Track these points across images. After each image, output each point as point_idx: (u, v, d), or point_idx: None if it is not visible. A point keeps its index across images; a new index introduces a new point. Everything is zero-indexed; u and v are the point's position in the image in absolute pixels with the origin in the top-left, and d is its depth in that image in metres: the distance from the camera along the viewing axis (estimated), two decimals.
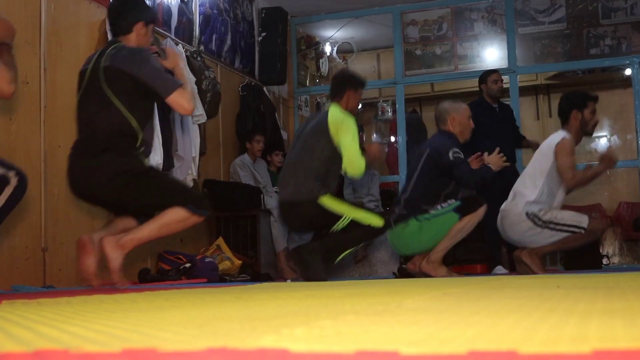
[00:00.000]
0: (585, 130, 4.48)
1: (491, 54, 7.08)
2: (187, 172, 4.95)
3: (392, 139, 8.27)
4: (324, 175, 4.03)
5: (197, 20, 5.70)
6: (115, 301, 1.92)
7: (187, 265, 4.51)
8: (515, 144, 5.70)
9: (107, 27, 3.46)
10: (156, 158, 4.20)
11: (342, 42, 8.02)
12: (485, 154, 4.37)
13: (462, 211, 4.21)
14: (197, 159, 5.10)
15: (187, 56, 5.18)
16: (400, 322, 1.00)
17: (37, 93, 3.87)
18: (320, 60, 7.96)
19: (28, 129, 3.79)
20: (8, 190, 2.68)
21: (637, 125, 6.53)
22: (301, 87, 7.64)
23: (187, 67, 5.00)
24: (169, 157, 4.69)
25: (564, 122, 4.48)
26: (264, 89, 6.72)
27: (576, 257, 4.81)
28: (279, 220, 5.40)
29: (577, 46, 6.72)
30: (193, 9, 5.66)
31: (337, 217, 3.98)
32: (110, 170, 3.10)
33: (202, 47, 5.72)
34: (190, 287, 3.49)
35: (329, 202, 4.00)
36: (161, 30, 5.07)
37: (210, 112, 5.25)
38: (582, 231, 4.30)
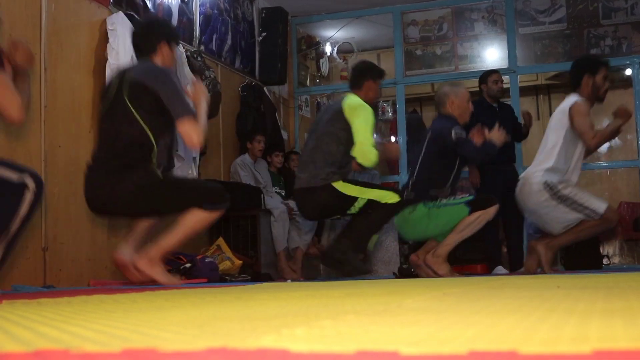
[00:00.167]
0: (597, 96, 4.38)
1: (491, 54, 7.08)
2: (187, 172, 4.95)
3: (393, 139, 8.27)
4: (340, 161, 4.04)
5: (197, 20, 5.71)
6: (116, 301, 1.92)
7: (188, 265, 4.50)
8: (519, 137, 5.69)
9: (132, 51, 3.58)
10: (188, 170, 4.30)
11: (343, 42, 8.02)
12: (486, 130, 4.39)
13: (474, 206, 4.22)
14: (197, 159, 5.10)
15: (187, 56, 5.19)
16: (400, 322, 1.00)
17: (38, 93, 3.87)
18: (321, 60, 7.96)
19: (28, 128, 3.79)
20: (28, 195, 2.69)
21: (637, 125, 6.53)
22: (301, 87, 7.64)
23: (188, 68, 5.00)
24: (170, 158, 4.69)
25: (576, 87, 4.40)
26: (265, 89, 6.72)
27: (576, 257, 4.81)
28: (297, 208, 5.37)
29: (578, 46, 6.71)
30: (193, 9, 5.66)
31: (351, 200, 3.98)
32: (131, 185, 3.19)
33: (202, 47, 5.72)
34: (190, 287, 3.49)
35: (342, 186, 4.00)
36: None
37: (211, 112, 5.24)
38: (597, 217, 4.21)
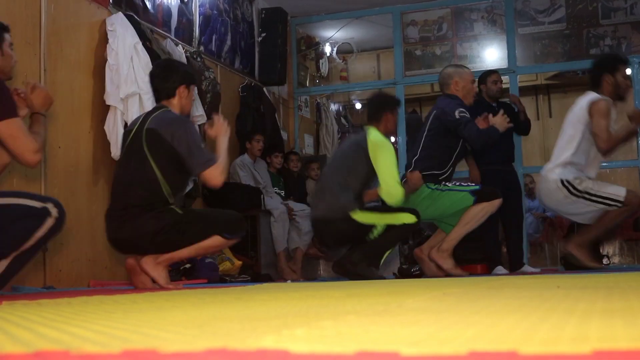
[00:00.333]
0: (619, 94, 4.35)
1: (491, 54, 7.08)
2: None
3: (392, 139, 8.26)
4: (358, 193, 4.10)
5: (197, 20, 5.70)
6: (116, 302, 1.92)
7: (188, 265, 4.50)
8: (523, 130, 5.70)
9: (151, 92, 3.66)
10: None
11: (342, 43, 8.02)
12: (490, 115, 4.38)
13: (479, 197, 4.23)
14: None
15: (187, 57, 5.19)
16: (400, 322, 1.00)
17: None
18: (320, 60, 7.96)
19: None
20: (50, 222, 2.76)
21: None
22: (301, 87, 7.64)
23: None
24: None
25: (596, 87, 4.36)
26: (264, 89, 6.72)
27: (576, 257, 4.80)
28: (315, 236, 5.37)
29: (577, 46, 6.71)
30: (193, 10, 5.66)
31: (369, 227, 4.05)
32: (148, 232, 3.25)
33: (202, 48, 5.72)
34: (190, 287, 3.49)
35: (359, 216, 4.06)
36: (161, 31, 5.07)
37: (210, 112, 5.25)
38: (619, 204, 4.17)
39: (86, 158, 4.26)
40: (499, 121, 4.32)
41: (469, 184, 4.36)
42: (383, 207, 4.20)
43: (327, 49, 8.01)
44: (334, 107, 8.44)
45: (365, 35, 7.89)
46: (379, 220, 4.06)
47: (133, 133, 3.37)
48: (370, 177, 4.11)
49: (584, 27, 6.69)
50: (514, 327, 0.88)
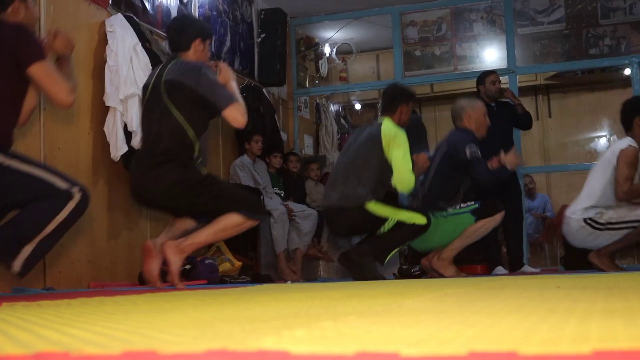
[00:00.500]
0: None
1: (490, 55, 7.09)
2: None
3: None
4: (373, 185, 4.12)
5: None
6: (116, 303, 1.92)
7: (187, 266, 4.50)
8: (524, 126, 5.70)
9: (166, 44, 3.72)
10: None
11: (342, 43, 8.02)
12: (502, 153, 4.37)
13: (480, 214, 4.24)
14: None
15: None
16: (400, 323, 1.00)
17: (37, 94, 3.86)
18: (320, 61, 7.97)
19: (28, 130, 3.78)
20: (71, 205, 2.76)
21: None
22: (300, 88, 7.64)
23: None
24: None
25: (628, 130, 4.32)
26: (264, 90, 6.72)
27: (576, 257, 4.80)
28: (326, 225, 5.37)
29: (577, 46, 6.72)
30: (192, 11, 5.65)
31: (382, 220, 4.07)
32: (169, 179, 3.29)
33: None
34: (190, 288, 3.49)
35: (374, 207, 4.08)
36: (160, 32, 5.07)
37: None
38: None
39: (86, 159, 4.26)
40: (510, 159, 4.33)
41: (468, 203, 4.34)
42: (397, 204, 4.24)
43: (327, 49, 8.01)
44: (333, 107, 8.44)
45: (364, 35, 7.89)
46: (393, 214, 4.08)
47: (150, 87, 3.42)
48: (384, 168, 4.12)
49: (584, 27, 6.70)
50: (514, 328, 0.88)
